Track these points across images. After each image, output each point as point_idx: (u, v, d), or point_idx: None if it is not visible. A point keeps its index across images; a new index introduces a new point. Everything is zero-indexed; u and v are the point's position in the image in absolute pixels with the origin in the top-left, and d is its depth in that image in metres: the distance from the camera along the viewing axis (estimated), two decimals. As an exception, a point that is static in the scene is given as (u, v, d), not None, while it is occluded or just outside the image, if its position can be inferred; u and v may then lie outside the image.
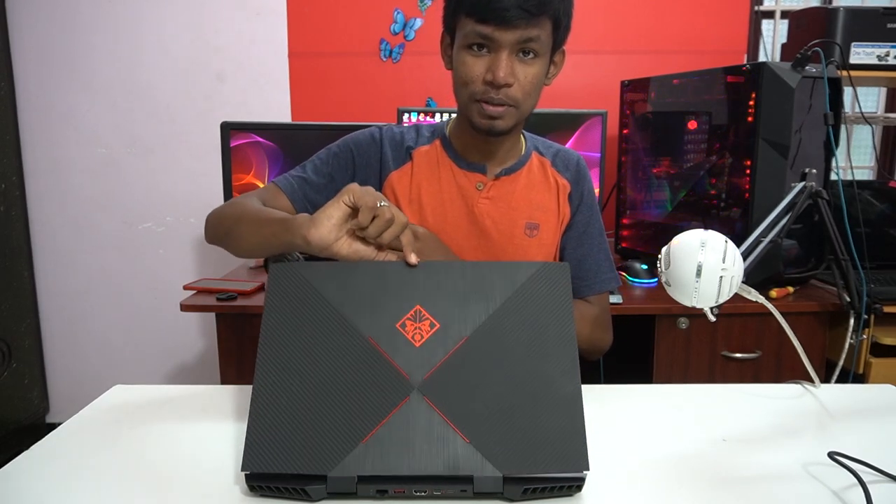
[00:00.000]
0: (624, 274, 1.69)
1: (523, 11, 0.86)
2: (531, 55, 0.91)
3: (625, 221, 1.90)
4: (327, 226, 0.74)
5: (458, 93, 0.97)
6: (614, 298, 1.45)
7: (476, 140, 1.01)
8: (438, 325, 0.67)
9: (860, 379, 1.51)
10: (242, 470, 0.62)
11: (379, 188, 1.03)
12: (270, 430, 0.63)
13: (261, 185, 1.69)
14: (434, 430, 0.63)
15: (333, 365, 0.66)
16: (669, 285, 0.78)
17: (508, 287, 0.70)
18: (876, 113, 2.40)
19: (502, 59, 0.89)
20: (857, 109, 2.00)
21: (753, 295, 0.82)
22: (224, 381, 1.51)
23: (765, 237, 1.07)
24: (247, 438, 0.63)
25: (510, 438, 0.62)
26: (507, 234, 1.03)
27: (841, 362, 1.42)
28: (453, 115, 1.07)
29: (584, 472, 0.62)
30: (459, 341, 0.67)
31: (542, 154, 1.09)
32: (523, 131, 1.08)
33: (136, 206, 2.26)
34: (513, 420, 0.63)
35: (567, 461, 0.62)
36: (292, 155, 1.74)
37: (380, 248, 0.77)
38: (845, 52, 1.72)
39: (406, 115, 1.82)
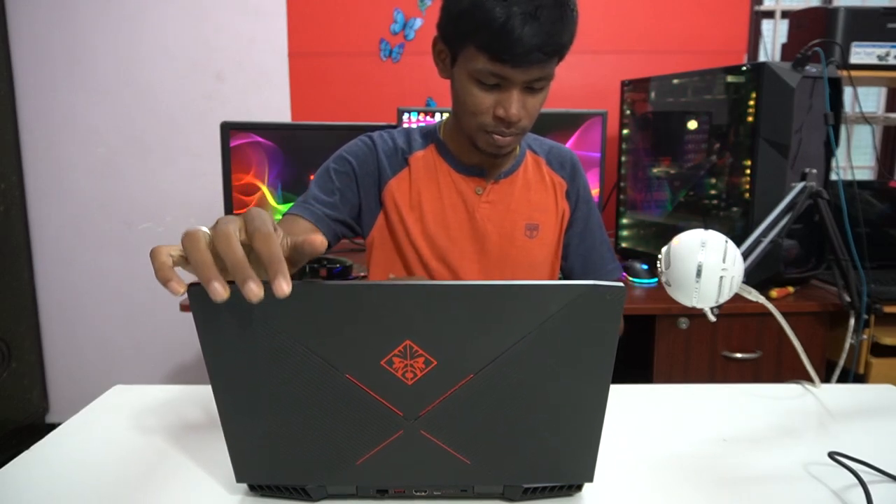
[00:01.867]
0: (624, 274, 1.69)
1: (542, 55, 0.84)
2: (539, 88, 0.91)
3: (625, 221, 1.90)
4: None
5: (462, 117, 0.95)
6: (614, 298, 1.45)
7: (476, 153, 1.00)
8: (435, 363, 0.53)
9: (860, 379, 1.51)
10: (238, 482, 0.62)
11: (378, 197, 1.03)
12: (253, 448, 0.58)
13: (261, 186, 1.69)
14: (432, 455, 0.58)
15: (306, 400, 0.55)
16: (669, 285, 0.78)
17: (534, 316, 0.52)
18: (876, 113, 2.40)
19: (514, 96, 0.88)
20: (857, 109, 2.00)
21: (753, 295, 0.82)
22: (224, 381, 1.51)
23: (765, 237, 1.07)
24: (230, 454, 0.59)
25: (515, 459, 0.59)
26: (508, 236, 1.03)
27: (841, 362, 1.41)
28: (444, 115, 1.07)
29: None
30: (462, 379, 0.54)
31: (536, 152, 1.09)
32: None
33: (136, 206, 2.26)
34: (520, 445, 0.58)
35: (571, 475, 0.61)
36: (292, 155, 1.74)
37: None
38: (845, 52, 1.72)
39: (406, 115, 1.82)
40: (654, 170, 1.81)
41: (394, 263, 1.05)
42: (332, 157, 1.04)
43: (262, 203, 1.70)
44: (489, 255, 1.03)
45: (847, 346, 1.41)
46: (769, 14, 2.25)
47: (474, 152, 1.01)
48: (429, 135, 1.06)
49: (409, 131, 1.08)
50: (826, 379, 1.41)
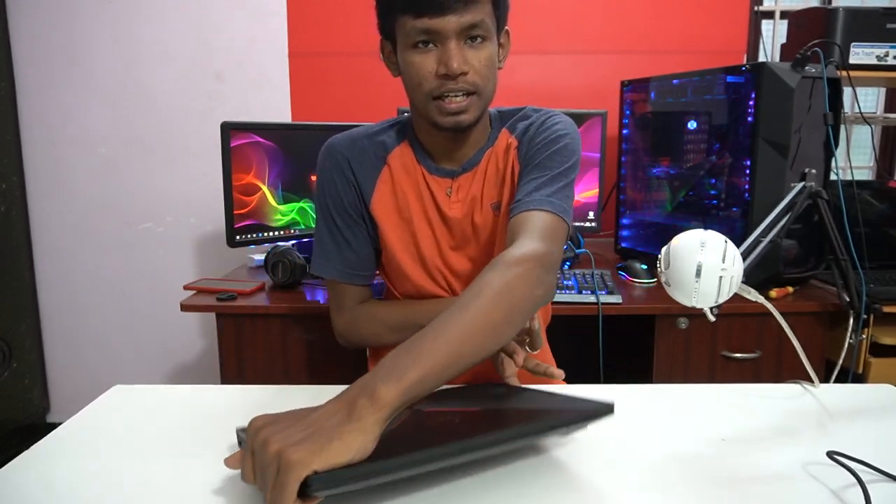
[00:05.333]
0: (624, 274, 1.69)
1: None
2: (479, 40, 0.88)
3: (625, 221, 1.90)
4: None
5: (413, 96, 0.93)
6: (613, 298, 1.45)
7: (441, 140, 0.98)
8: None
9: (859, 379, 1.51)
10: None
11: (367, 209, 1.01)
12: None
13: (261, 186, 1.69)
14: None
15: None
16: (669, 285, 0.78)
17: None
18: (875, 113, 2.40)
19: (451, 48, 0.86)
20: (856, 109, 2.00)
21: (753, 295, 0.83)
22: (224, 381, 1.52)
23: (764, 237, 1.07)
24: None
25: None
26: (481, 225, 1.00)
27: (840, 362, 1.41)
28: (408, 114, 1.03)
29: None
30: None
31: (514, 134, 1.01)
32: (491, 111, 1.03)
33: (136, 206, 2.26)
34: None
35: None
36: (292, 155, 1.74)
37: None
38: (845, 53, 1.72)
39: (406, 116, 1.81)
40: (654, 170, 1.81)
41: (401, 265, 1.03)
42: (318, 198, 1.02)
43: (263, 203, 1.70)
44: (464, 247, 1.02)
45: (846, 345, 1.41)
46: (769, 14, 2.25)
47: (446, 149, 0.99)
48: (402, 131, 1.03)
49: (369, 132, 1.03)
50: (825, 379, 1.41)
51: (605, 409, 0.65)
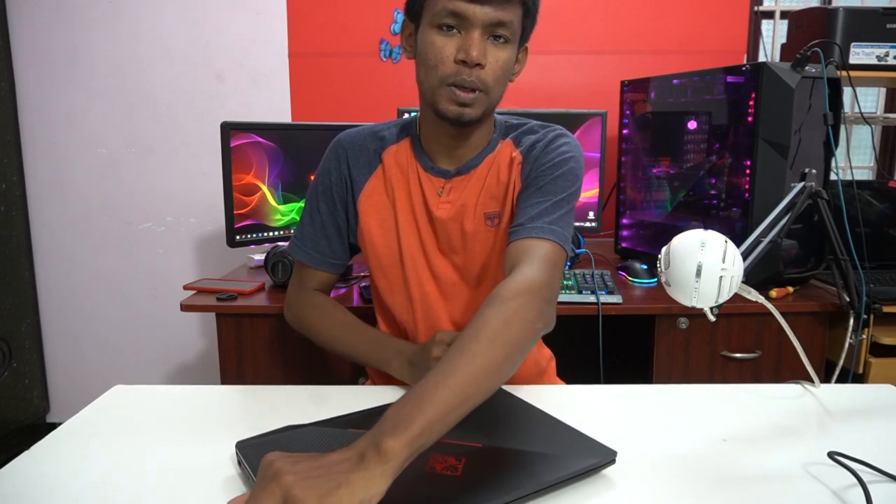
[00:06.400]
0: (624, 274, 1.69)
1: None
2: (502, 40, 0.88)
3: (625, 221, 1.90)
4: None
5: (425, 78, 0.91)
6: (613, 298, 1.45)
7: (442, 135, 0.96)
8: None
9: (860, 379, 1.51)
10: None
11: (353, 203, 1.02)
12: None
13: (261, 186, 1.69)
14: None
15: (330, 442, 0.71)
16: (669, 285, 0.78)
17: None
18: (875, 113, 2.40)
19: (475, 37, 0.85)
20: (856, 109, 2.00)
21: (753, 295, 0.83)
22: (224, 381, 1.52)
23: (765, 237, 1.07)
24: None
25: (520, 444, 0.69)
26: (471, 233, 0.99)
27: (841, 362, 1.42)
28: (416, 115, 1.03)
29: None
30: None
31: (519, 148, 0.99)
32: (498, 117, 1.02)
33: (136, 206, 2.26)
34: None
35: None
36: (292, 155, 1.74)
37: None
38: (845, 53, 1.72)
39: (406, 116, 1.81)
40: (654, 170, 1.81)
41: (380, 260, 1.03)
42: (314, 178, 1.05)
43: (262, 203, 1.70)
44: (453, 253, 1.00)
45: (846, 346, 1.41)
46: (769, 14, 2.25)
47: (446, 148, 0.98)
48: (405, 128, 1.03)
49: (376, 129, 1.04)
50: (825, 379, 1.42)
51: (607, 461, 0.68)
